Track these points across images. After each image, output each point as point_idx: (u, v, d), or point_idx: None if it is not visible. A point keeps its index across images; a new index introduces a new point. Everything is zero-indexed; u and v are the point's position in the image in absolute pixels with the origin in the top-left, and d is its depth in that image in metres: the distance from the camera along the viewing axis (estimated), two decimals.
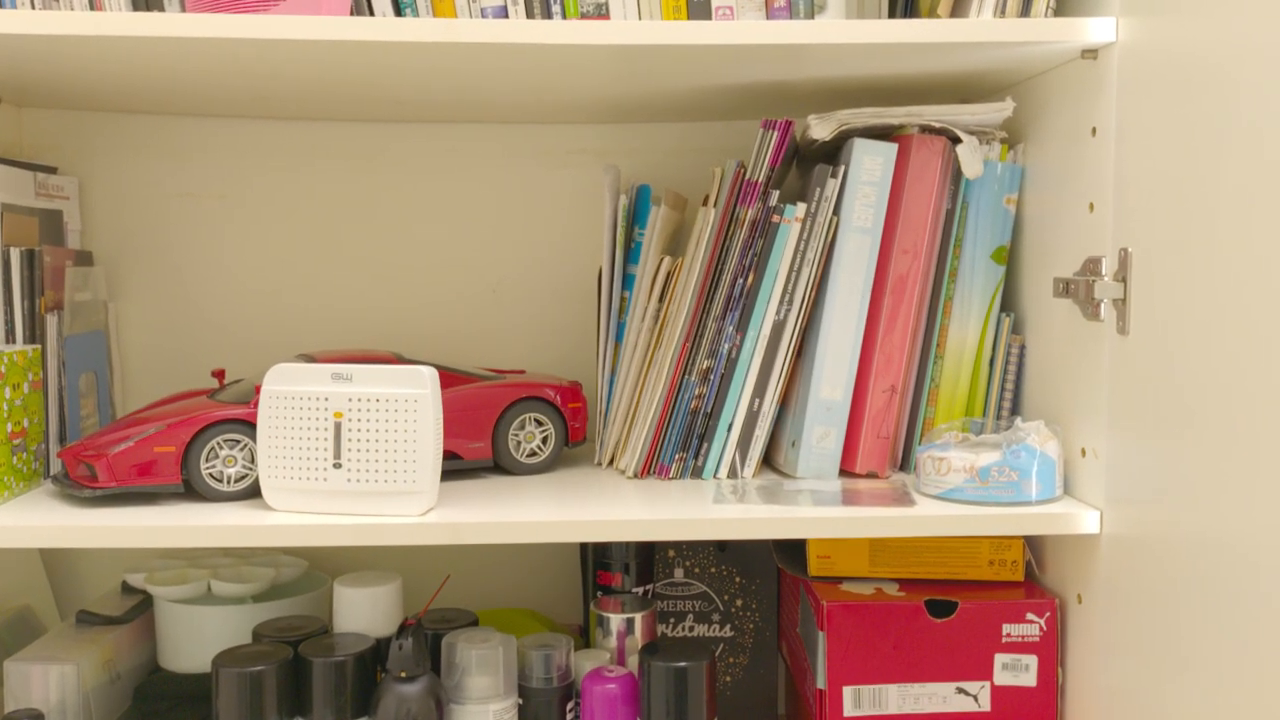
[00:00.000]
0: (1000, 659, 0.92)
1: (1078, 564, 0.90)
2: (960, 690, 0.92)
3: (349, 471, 0.85)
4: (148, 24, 0.80)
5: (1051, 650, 0.92)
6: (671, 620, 1.09)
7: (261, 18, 0.80)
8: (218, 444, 0.89)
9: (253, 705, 0.85)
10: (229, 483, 0.89)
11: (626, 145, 1.19)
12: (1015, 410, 0.99)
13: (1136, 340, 0.79)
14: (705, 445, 0.98)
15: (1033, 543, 0.98)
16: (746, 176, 0.95)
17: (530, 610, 1.15)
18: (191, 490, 0.89)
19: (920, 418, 0.99)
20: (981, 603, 0.92)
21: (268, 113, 1.15)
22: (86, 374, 1.05)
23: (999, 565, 0.96)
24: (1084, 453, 0.88)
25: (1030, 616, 0.92)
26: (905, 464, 1.00)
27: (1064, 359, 0.91)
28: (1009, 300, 1.00)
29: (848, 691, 0.91)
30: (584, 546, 1.16)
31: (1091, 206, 0.86)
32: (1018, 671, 0.92)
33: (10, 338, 0.96)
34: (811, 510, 0.86)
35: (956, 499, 0.88)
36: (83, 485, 0.87)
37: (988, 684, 0.92)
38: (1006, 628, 0.92)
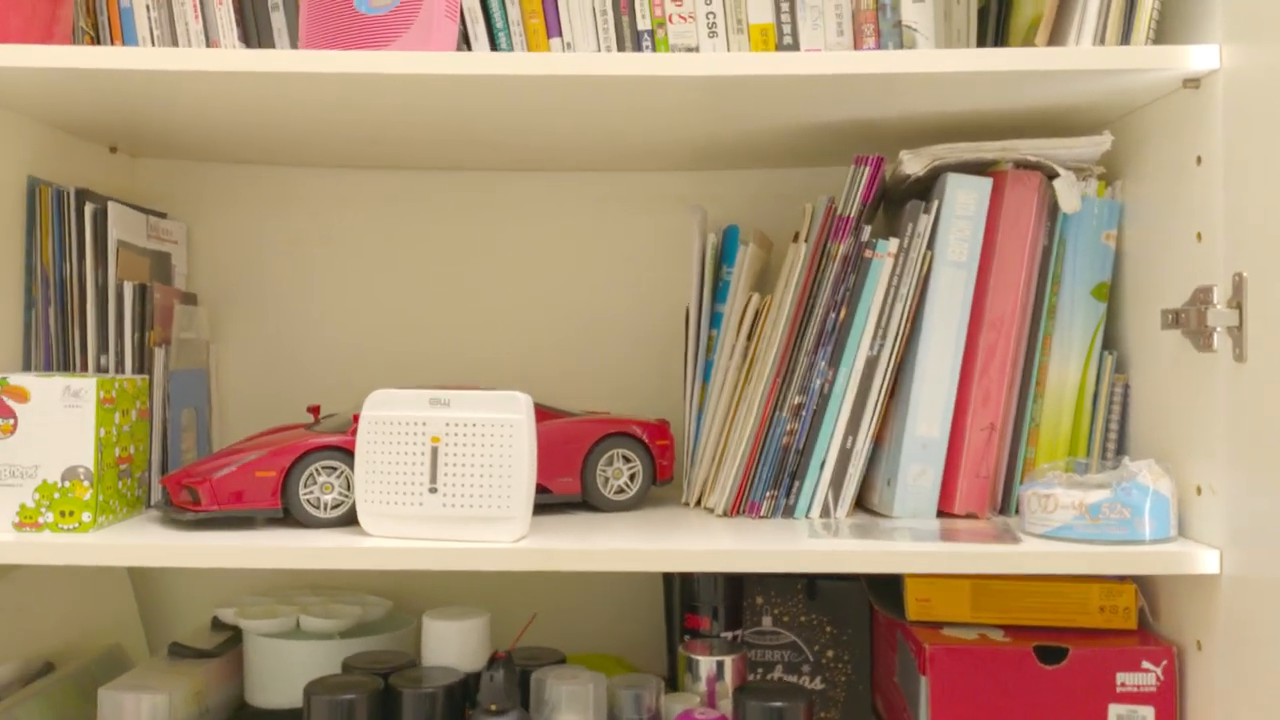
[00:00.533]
0: (1115, 710, 0.88)
1: (1196, 609, 0.86)
2: None
3: (444, 496, 0.85)
4: (265, 60, 0.83)
5: (1170, 701, 0.87)
6: (760, 670, 1.06)
7: (372, 54, 0.83)
8: (316, 470, 0.90)
9: None
10: (325, 509, 0.90)
11: (711, 191, 1.20)
12: (1120, 450, 0.96)
13: (1255, 368, 0.77)
14: (797, 483, 0.96)
15: (1145, 589, 0.94)
16: (838, 212, 0.95)
17: (614, 656, 1.13)
18: (289, 516, 0.90)
19: (1020, 458, 0.97)
20: (1094, 650, 0.88)
21: (368, 162, 1.19)
22: (188, 409, 1.08)
23: (1110, 612, 0.92)
24: (1199, 490, 0.85)
25: (1146, 665, 0.88)
26: (1005, 507, 0.98)
27: (1174, 394, 0.88)
28: (1111, 338, 0.98)
29: None
30: (669, 592, 1.14)
31: (1199, 236, 0.84)
32: None
33: (120, 368, 0.99)
34: (911, 545, 0.83)
35: (1065, 537, 0.85)
36: (185, 509, 0.89)
37: None
38: (1121, 677, 0.88)
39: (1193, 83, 0.84)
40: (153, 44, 1.00)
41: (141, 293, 1.00)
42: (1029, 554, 0.82)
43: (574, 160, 1.16)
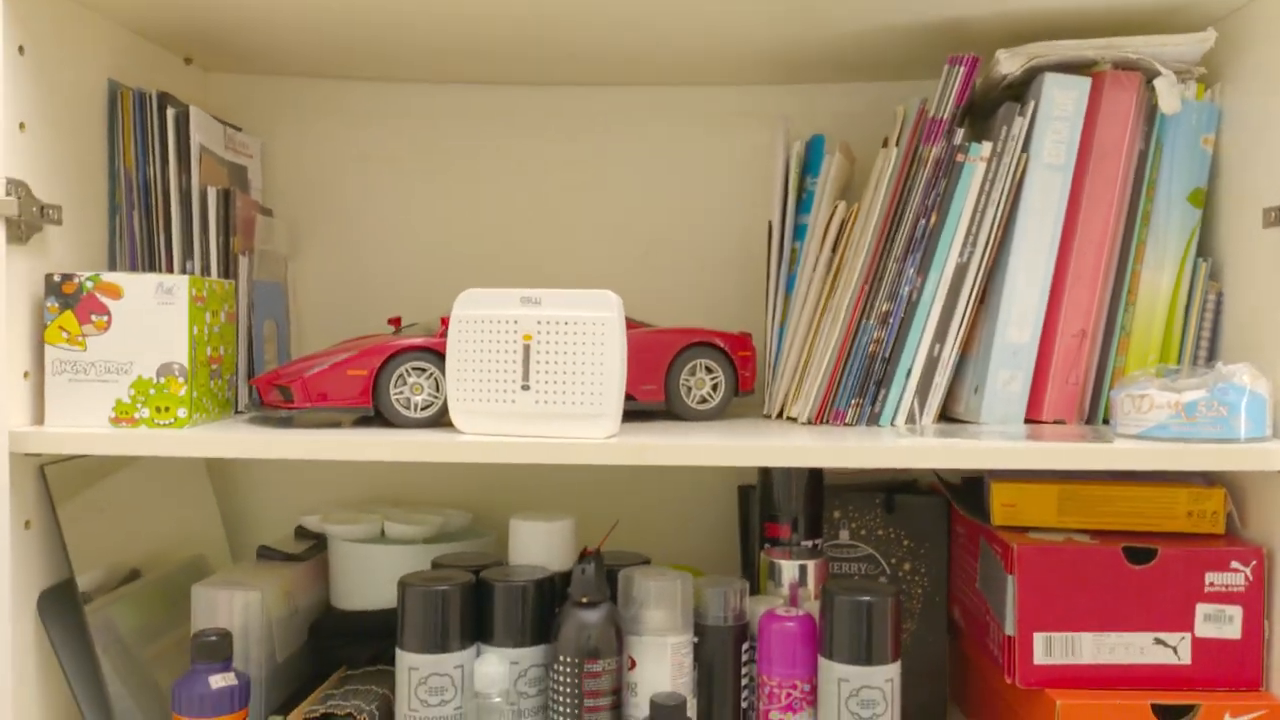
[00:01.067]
0: (1202, 609, 0.87)
1: None
2: (1158, 641, 0.87)
3: (537, 393, 0.85)
4: None
5: (1258, 602, 0.87)
6: None
7: None
8: (406, 371, 0.90)
9: (439, 624, 0.85)
10: (415, 410, 0.90)
11: (792, 107, 1.18)
12: (1212, 359, 0.95)
13: None
14: (883, 391, 0.96)
15: (1234, 494, 0.93)
16: (931, 114, 0.94)
17: (692, 567, 1.14)
18: (379, 416, 0.91)
19: (1110, 365, 0.96)
20: (1183, 550, 0.88)
21: (440, 76, 1.18)
22: (269, 321, 1.08)
23: (1198, 516, 0.91)
24: None
25: (1235, 565, 0.87)
26: (1093, 416, 0.97)
27: (1273, 295, 0.87)
28: (1205, 245, 0.97)
29: (1038, 639, 0.88)
30: (744, 505, 1.14)
31: None
32: (1221, 623, 0.87)
33: (205, 272, 0.99)
34: (998, 442, 0.83)
35: (1159, 436, 0.84)
36: (277, 408, 0.89)
37: (1188, 635, 0.87)
38: (1210, 576, 0.87)
39: None
40: None
41: (225, 198, 1.00)
42: (1122, 450, 0.81)
43: (652, 73, 1.15)
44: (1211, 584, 0.87)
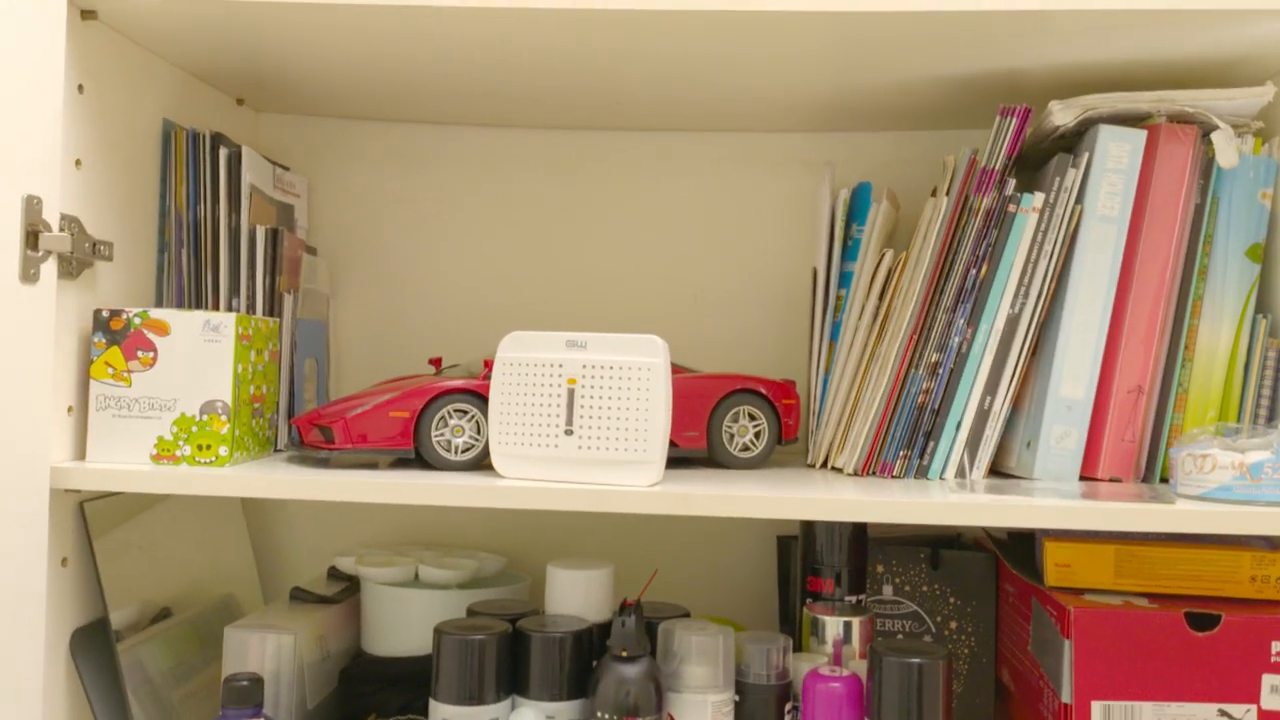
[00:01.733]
0: (1269, 680, 0.84)
1: None
2: (1223, 713, 0.84)
3: (580, 439, 0.84)
4: None
5: None
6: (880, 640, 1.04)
7: None
8: (448, 413, 0.89)
9: (474, 675, 0.84)
10: (456, 452, 0.89)
11: (837, 154, 1.18)
12: (1273, 417, 0.93)
13: None
14: (932, 444, 0.94)
15: None
16: (982, 164, 0.93)
17: (730, 620, 1.11)
18: (419, 459, 0.90)
19: (1167, 423, 0.93)
20: (1248, 617, 0.84)
21: (488, 119, 1.18)
22: (310, 359, 1.08)
23: (1261, 581, 0.88)
24: None
25: None
26: (1149, 474, 0.94)
27: None
28: (1264, 301, 0.94)
29: (1096, 707, 0.85)
30: (784, 558, 1.12)
31: None
32: None
33: (251, 311, 0.99)
34: (1055, 501, 0.80)
35: (1223, 499, 0.81)
36: (317, 448, 0.89)
37: (1254, 708, 0.84)
38: (1277, 645, 0.84)
39: None
40: None
41: (273, 238, 1.00)
42: (1186, 512, 0.79)
43: (699, 120, 1.15)
44: (1278, 654, 0.84)
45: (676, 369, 1.00)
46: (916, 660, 0.83)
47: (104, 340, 0.86)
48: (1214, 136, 0.90)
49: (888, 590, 1.05)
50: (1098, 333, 0.91)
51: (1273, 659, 0.84)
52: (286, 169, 1.14)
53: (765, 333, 1.19)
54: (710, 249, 1.19)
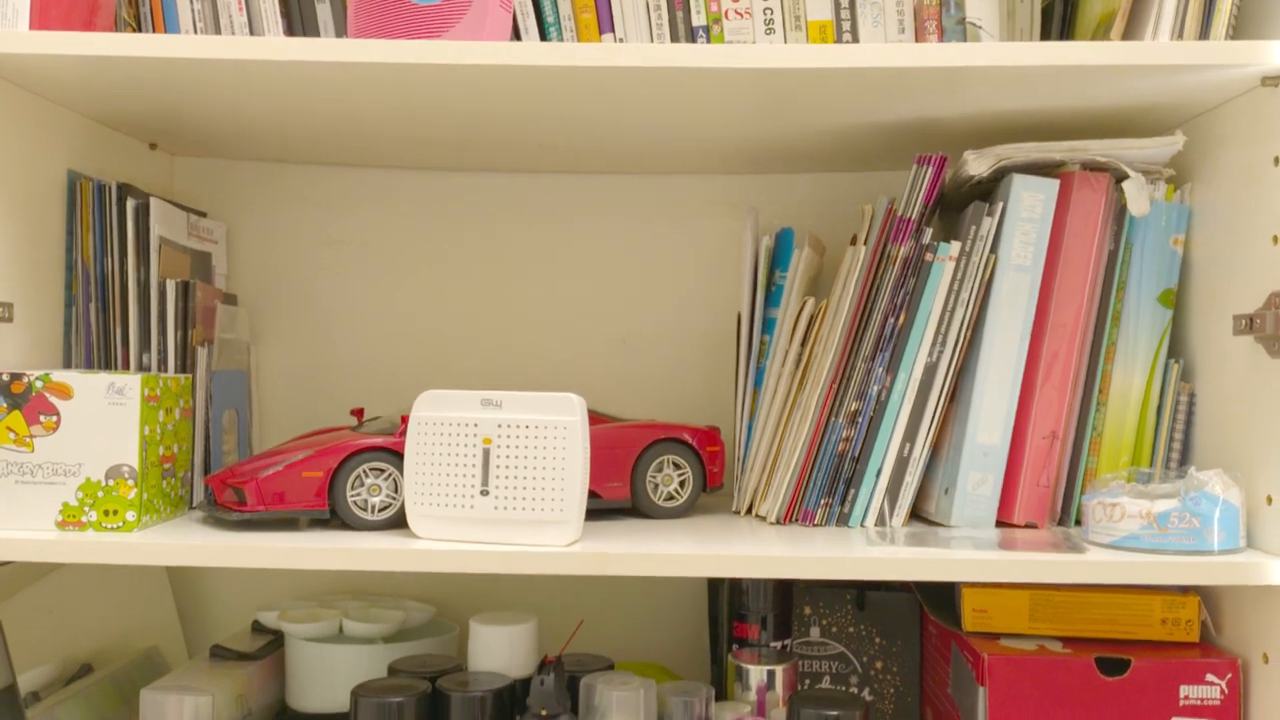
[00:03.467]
0: None
1: (1264, 621, 0.84)
2: None
3: (496, 499, 0.83)
4: (315, 50, 0.81)
5: (1234, 715, 0.85)
6: (807, 681, 1.04)
7: (426, 43, 0.82)
8: (363, 471, 0.88)
9: None
10: (373, 511, 0.88)
11: (762, 196, 1.18)
12: (1184, 461, 0.94)
13: None
14: (852, 491, 0.94)
15: (1208, 601, 0.92)
16: (899, 213, 0.93)
17: (659, 664, 1.11)
18: (335, 518, 0.88)
19: (1081, 467, 0.94)
20: (1157, 661, 0.86)
21: (411, 163, 1.17)
22: (229, 411, 1.06)
23: (1172, 624, 0.89)
24: (1270, 500, 0.82)
25: (1210, 678, 0.85)
26: (1064, 518, 0.95)
27: (1244, 402, 0.86)
28: (1176, 346, 0.96)
29: None
30: (714, 601, 1.12)
31: (1276, 239, 0.81)
32: None
33: (163, 366, 0.97)
34: (972, 553, 0.81)
35: (1132, 547, 0.82)
36: (230, 509, 0.87)
37: None
38: (1184, 689, 0.85)
39: (1272, 80, 0.81)
40: (195, 35, 0.98)
41: (184, 291, 0.98)
42: (1096, 563, 0.80)
43: (622, 163, 1.14)
44: (1186, 697, 0.85)
45: (600, 417, 0.99)
46: (834, 712, 0.83)
47: (5, 404, 0.84)
48: (1125, 185, 0.91)
49: (815, 632, 1.05)
50: (1013, 379, 0.92)
51: (1181, 703, 0.85)
52: (203, 214, 1.11)
53: (693, 376, 1.19)
54: (637, 292, 1.19)
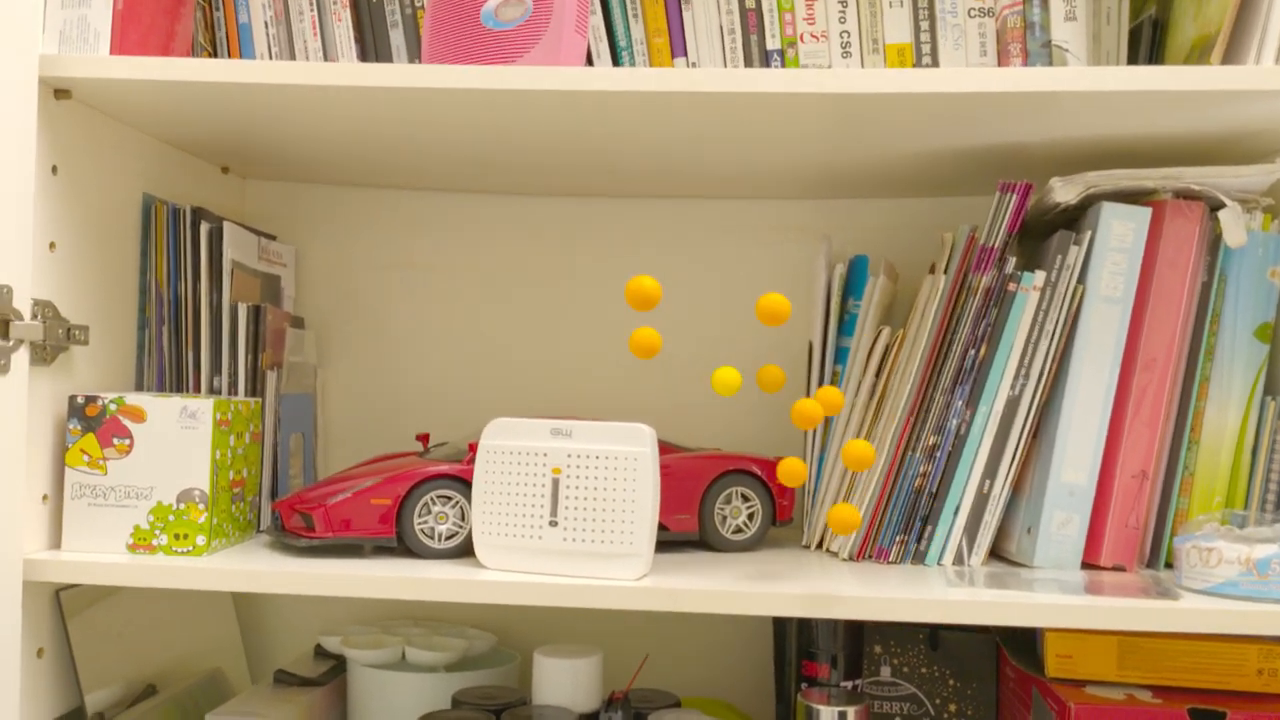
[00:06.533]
0: None
1: None
2: None
3: (565, 530, 0.81)
4: (389, 75, 0.81)
5: None
6: None
7: (501, 69, 0.81)
8: (431, 499, 0.87)
9: None
10: (439, 540, 0.87)
11: (835, 221, 1.16)
12: None
13: None
14: (929, 528, 0.91)
15: None
16: (981, 242, 0.90)
17: (723, 700, 1.09)
18: (401, 545, 0.87)
19: (1172, 508, 0.90)
20: (1253, 714, 0.81)
21: (480, 187, 1.16)
22: (296, 434, 1.06)
23: (1269, 675, 0.85)
24: None
25: None
26: (1154, 560, 0.91)
27: None
28: (1273, 382, 0.92)
29: None
30: (780, 638, 1.09)
31: None
32: None
33: (234, 389, 0.97)
34: (1058, 597, 0.78)
35: (1229, 594, 0.79)
36: (298, 535, 0.86)
37: None
38: None
39: None
40: (270, 60, 0.98)
41: (255, 314, 0.98)
42: (1191, 611, 0.76)
43: (694, 187, 1.13)
44: None
45: (668, 447, 0.97)
46: None
47: (79, 427, 0.84)
48: (1221, 214, 0.87)
49: (886, 672, 1.02)
50: (1100, 416, 0.89)
51: None
52: (273, 238, 1.12)
53: (765, 405, 1.16)
54: (707, 319, 1.17)
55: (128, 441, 0.84)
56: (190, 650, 1.07)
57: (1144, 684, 0.87)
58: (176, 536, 0.84)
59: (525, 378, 1.18)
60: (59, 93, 0.84)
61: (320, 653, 1.08)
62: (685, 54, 0.98)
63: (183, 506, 0.84)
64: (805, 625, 0.99)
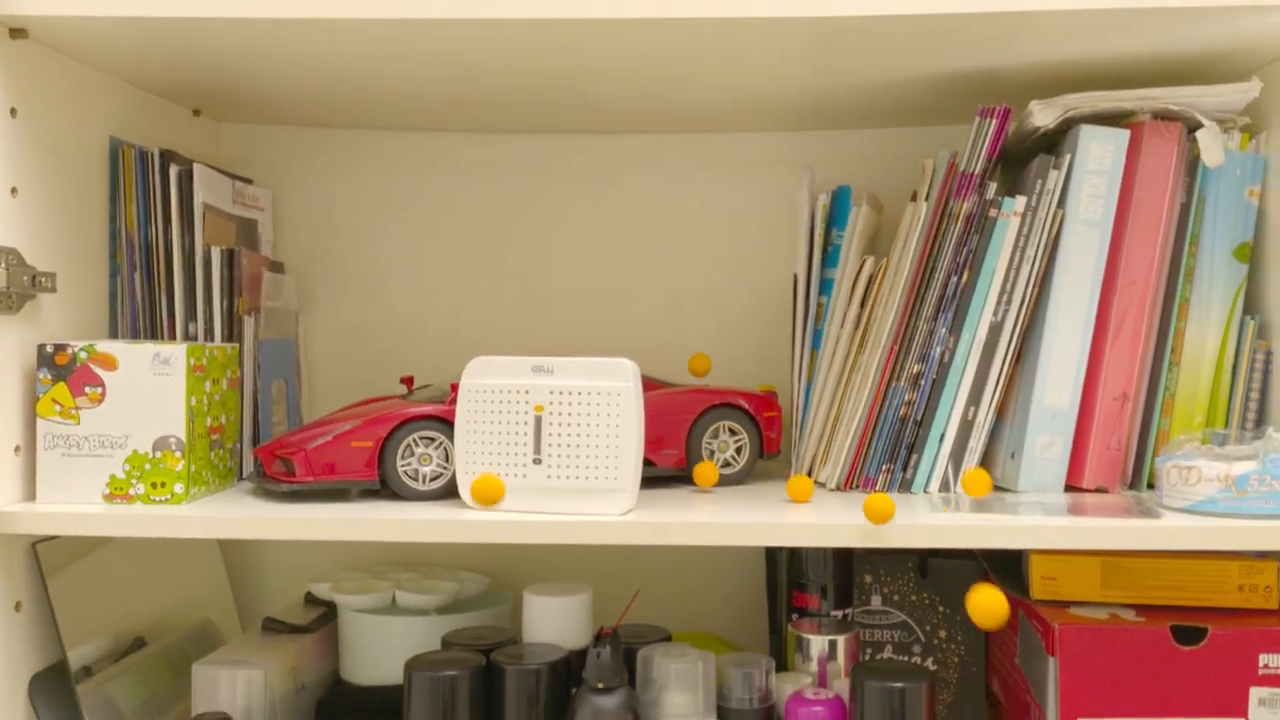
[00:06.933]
0: (1256, 693, 0.82)
1: None
2: None
3: (549, 467, 0.81)
4: (358, 7, 0.79)
5: None
6: (869, 651, 1.02)
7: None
8: (413, 441, 0.86)
9: (445, 711, 0.81)
10: (424, 481, 0.86)
11: (818, 153, 1.14)
12: (1261, 421, 0.90)
13: None
14: (915, 456, 0.91)
15: None
16: (961, 168, 0.90)
17: (715, 634, 1.09)
18: (386, 488, 0.87)
19: (1153, 429, 0.91)
20: (1235, 630, 0.82)
21: (458, 125, 1.15)
22: (278, 381, 1.05)
23: (1250, 591, 0.86)
24: None
25: None
26: (1136, 481, 0.92)
27: None
28: (1252, 302, 0.92)
29: None
30: (773, 570, 1.10)
31: None
32: (1277, 708, 0.82)
33: (210, 336, 0.96)
34: (1042, 519, 0.78)
35: (1208, 511, 0.79)
36: (279, 481, 0.86)
37: None
38: (1264, 658, 0.82)
39: None
40: None
41: (229, 258, 0.97)
42: (1173, 529, 0.77)
43: (674, 121, 1.11)
44: (1266, 666, 0.82)
45: (654, 383, 0.97)
46: (899, 684, 0.81)
47: (50, 376, 0.83)
48: (1199, 134, 0.87)
49: (876, 601, 1.03)
50: (1082, 339, 0.89)
51: (1260, 672, 0.82)
52: (249, 181, 1.10)
53: (748, 339, 1.16)
54: (690, 254, 1.16)
55: (100, 390, 0.83)
56: (179, 602, 1.07)
57: (1128, 603, 0.88)
58: (154, 485, 0.83)
59: (509, 317, 1.17)
60: (14, 32, 0.82)
61: (311, 600, 1.08)
62: None
63: (159, 454, 0.83)
64: (795, 557, 1.00)
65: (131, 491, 0.83)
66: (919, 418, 0.91)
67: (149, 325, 0.95)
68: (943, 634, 1.02)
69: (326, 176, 1.17)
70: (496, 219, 1.17)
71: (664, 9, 0.78)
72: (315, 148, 1.17)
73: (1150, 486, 0.91)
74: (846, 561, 0.99)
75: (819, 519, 0.79)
